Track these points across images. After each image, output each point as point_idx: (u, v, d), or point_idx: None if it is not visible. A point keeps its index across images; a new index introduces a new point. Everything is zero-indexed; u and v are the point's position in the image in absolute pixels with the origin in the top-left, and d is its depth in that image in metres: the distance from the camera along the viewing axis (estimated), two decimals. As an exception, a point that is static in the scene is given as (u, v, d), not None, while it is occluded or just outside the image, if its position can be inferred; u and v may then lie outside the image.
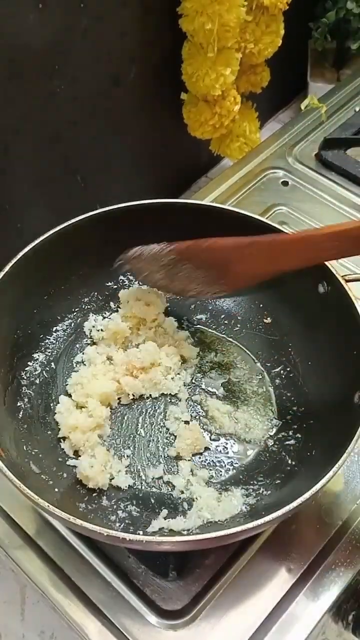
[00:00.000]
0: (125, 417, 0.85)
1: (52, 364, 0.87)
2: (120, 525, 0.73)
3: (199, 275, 0.80)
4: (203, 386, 0.88)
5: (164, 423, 0.84)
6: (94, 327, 0.91)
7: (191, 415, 0.85)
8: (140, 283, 0.91)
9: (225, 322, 0.95)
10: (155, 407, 0.86)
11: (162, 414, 0.85)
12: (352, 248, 0.71)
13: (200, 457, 0.82)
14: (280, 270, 0.75)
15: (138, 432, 0.84)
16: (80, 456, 0.79)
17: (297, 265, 0.75)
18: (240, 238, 0.77)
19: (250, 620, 0.73)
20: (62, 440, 0.81)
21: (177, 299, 0.94)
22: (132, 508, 0.76)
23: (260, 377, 0.89)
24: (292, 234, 0.74)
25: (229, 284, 0.81)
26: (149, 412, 0.86)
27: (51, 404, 0.84)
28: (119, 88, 1.14)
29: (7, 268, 0.80)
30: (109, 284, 0.94)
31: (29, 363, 0.85)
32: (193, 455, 0.81)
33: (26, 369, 0.84)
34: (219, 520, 0.74)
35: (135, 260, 0.84)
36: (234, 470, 0.81)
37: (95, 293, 0.94)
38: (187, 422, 0.84)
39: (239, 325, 0.94)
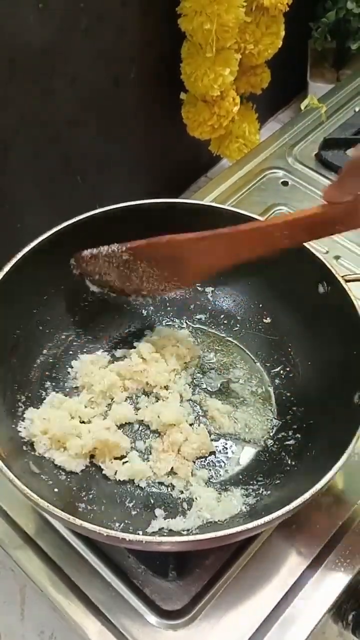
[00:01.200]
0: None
1: (52, 364, 0.87)
2: (120, 525, 0.73)
3: (154, 273, 0.81)
4: (203, 386, 0.88)
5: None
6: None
7: (194, 417, 0.85)
8: (91, 284, 0.90)
9: (225, 322, 0.95)
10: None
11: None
12: (304, 236, 0.73)
13: (200, 457, 0.81)
14: (238, 260, 0.77)
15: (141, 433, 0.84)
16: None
17: (254, 255, 0.76)
18: (195, 233, 0.78)
19: (250, 620, 0.73)
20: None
21: (179, 298, 0.94)
22: (132, 508, 0.76)
23: (260, 377, 0.89)
24: (245, 225, 0.74)
25: (186, 277, 0.82)
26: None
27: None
28: (118, 88, 1.14)
29: (7, 268, 0.80)
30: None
31: (28, 363, 0.85)
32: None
33: (25, 369, 0.84)
34: (218, 521, 0.74)
35: (89, 262, 0.84)
36: (234, 471, 0.81)
37: (96, 293, 0.94)
38: (190, 424, 0.84)
39: (238, 325, 0.94)
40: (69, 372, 0.88)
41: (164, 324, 0.94)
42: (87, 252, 0.84)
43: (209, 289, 0.96)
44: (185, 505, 0.76)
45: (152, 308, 0.95)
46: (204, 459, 0.81)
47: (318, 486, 0.65)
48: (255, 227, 0.75)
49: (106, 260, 0.82)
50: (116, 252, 0.81)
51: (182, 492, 0.78)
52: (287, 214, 0.71)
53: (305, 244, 0.84)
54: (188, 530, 0.73)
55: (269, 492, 0.77)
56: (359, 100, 1.31)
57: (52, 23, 0.95)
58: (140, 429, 0.84)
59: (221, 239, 0.76)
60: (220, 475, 0.80)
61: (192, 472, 0.80)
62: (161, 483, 0.79)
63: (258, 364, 0.90)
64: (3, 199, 1.03)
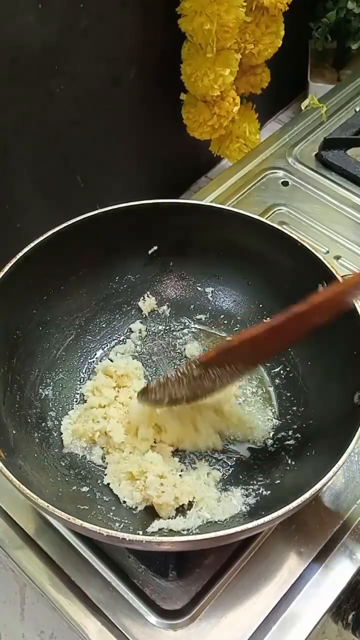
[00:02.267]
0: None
1: (52, 364, 0.87)
2: (120, 525, 0.73)
3: (227, 373, 0.77)
4: (203, 386, 0.88)
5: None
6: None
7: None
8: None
9: (225, 322, 0.95)
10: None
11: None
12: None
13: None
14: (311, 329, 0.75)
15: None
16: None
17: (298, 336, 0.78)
18: (262, 326, 0.75)
19: (250, 620, 0.72)
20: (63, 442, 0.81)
21: (179, 298, 0.95)
22: (132, 508, 0.76)
23: (260, 377, 0.89)
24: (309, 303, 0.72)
25: (258, 361, 0.82)
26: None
27: (49, 405, 0.84)
28: (118, 88, 1.14)
29: (7, 268, 0.80)
30: (109, 284, 0.94)
31: (28, 363, 0.85)
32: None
33: (26, 369, 0.84)
34: (218, 520, 0.74)
35: (157, 392, 0.79)
36: (234, 470, 0.80)
37: (96, 293, 0.94)
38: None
39: (238, 325, 0.94)
40: (69, 373, 0.87)
41: (163, 327, 0.95)
42: (153, 384, 0.79)
43: (209, 289, 0.96)
44: (185, 505, 0.76)
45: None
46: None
47: (318, 486, 0.65)
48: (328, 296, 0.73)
49: (176, 384, 0.77)
50: (187, 373, 0.77)
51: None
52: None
53: (305, 245, 0.84)
54: (188, 530, 0.73)
55: (269, 492, 0.77)
56: (359, 100, 1.31)
57: (52, 23, 0.95)
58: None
59: (293, 320, 0.74)
60: (220, 475, 0.80)
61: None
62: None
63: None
64: (3, 199, 1.03)
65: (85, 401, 0.85)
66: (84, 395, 0.86)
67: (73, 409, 0.85)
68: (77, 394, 0.87)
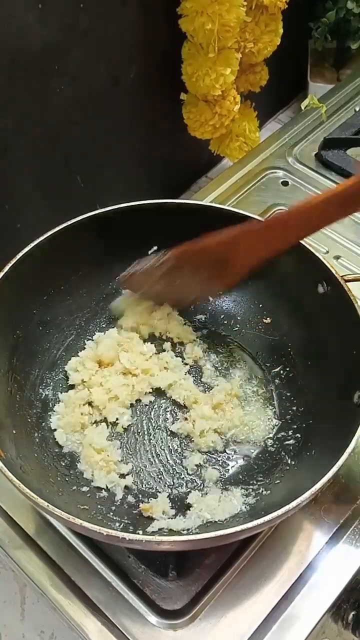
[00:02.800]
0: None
1: (52, 364, 0.87)
2: (120, 525, 0.73)
3: (198, 277, 0.79)
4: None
5: (165, 425, 0.85)
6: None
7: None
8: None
9: (225, 322, 0.95)
10: (158, 409, 0.86)
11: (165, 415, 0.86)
12: (341, 212, 0.72)
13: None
14: (276, 252, 0.75)
15: (143, 437, 0.84)
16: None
17: (291, 243, 0.75)
18: (231, 230, 0.76)
19: (250, 620, 0.73)
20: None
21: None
22: (132, 508, 0.76)
23: (260, 377, 0.89)
24: (281, 214, 0.73)
25: (229, 278, 0.81)
26: (153, 414, 0.86)
27: (49, 405, 0.84)
28: (119, 88, 1.14)
29: (6, 268, 0.80)
30: (109, 284, 0.94)
31: (28, 363, 0.85)
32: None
33: (26, 369, 0.84)
34: (218, 520, 0.74)
35: (132, 278, 0.83)
36: (234, 470, 0.81)
37: (96, 293, 0.94)
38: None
39: (238, 325, 0.94)
40: (69, 372, 0.87)
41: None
42: (125, 272, 0.83)
43: (209, 289, 0.96)
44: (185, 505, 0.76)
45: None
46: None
47: (318, 486, 0.65)
48: (293, 211, 0.73)
49: (148, 273, 0.81)
50: (156, 263, 0.79)
51: (182, 492, 0.78)
52: (322, 192, 0.70)
53: (304, 244, 0.84)
54: (188, 530, 0.73)
55: (269, 492, 0.77)
56: (359, 100, 1.31)
57: (52, 23, 0.95)
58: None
59: (260, 232, 0.75)
60: (220, 475, 0.80)
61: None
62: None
63: (258, 364, 0.90)
64: (3, 199, 1.03)
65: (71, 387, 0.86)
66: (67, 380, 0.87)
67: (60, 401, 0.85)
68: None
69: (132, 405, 0.86)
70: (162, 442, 0.83)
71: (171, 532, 0.73)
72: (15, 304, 0.83)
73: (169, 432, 0.84)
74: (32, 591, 0.80)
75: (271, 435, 0.83)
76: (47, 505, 0.64)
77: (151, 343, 0.90)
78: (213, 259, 0.77)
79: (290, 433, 0.83)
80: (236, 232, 0.76)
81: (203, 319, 0.95)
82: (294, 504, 0.64)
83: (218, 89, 1.14)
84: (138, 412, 0.86)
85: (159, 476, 0.80)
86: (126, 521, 0.74)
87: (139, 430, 0.84)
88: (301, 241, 0.85)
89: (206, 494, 0.77)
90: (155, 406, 0.87)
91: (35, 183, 1.07)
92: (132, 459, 0.81)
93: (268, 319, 0.93)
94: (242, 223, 0.78)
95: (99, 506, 0.75)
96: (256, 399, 0.87)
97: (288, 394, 0.87)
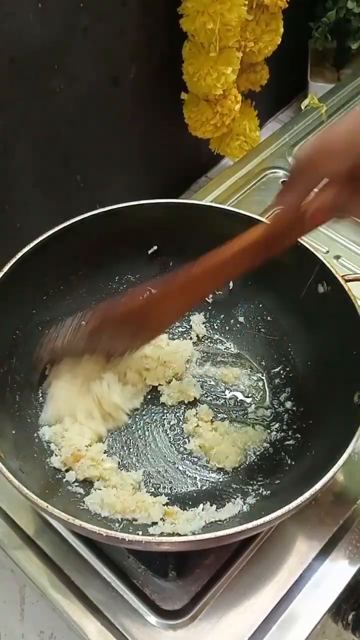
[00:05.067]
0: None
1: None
2: (119, 526, 0.73)
3: (120, 335, 0.78)
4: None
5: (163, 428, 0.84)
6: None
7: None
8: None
9: (225, 322, 0.94)
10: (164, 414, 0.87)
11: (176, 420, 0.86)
12: (253, 261, 0.71)
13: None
14: (200, 300, 0.78)
15: (145, 438, 0.84)
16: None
17: (211, 290, 0.78)
18: (145, 292, 0.76)
19: (250, 620, 0.72)
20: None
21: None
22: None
23: (260, 377, 0.89)
24: (193, 268, 0.71)
25: (153, 330, 0.80)
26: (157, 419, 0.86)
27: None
28: (118, 88, 1.14)
29: (6, 268, 0.80)
30: (109, 284, 0.94)
31: (28, 364, 0.85)
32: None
33: (25, 369, 0.84)
34: (218, 520, 0.74)
35: (53, 345, 0.78)
36: (234, 470, 0.80)
37: (96, 293, 0.94)
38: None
39: (238, 325, 0.94)
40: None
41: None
42: (46, 340, 0.78)
43: (209, 289, 0.96)
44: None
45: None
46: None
47: (318, 486, 0.65)
48: (206, 267, 0.72)
49: (70, 335, 0.77)
50: (76, 327, 0.77)
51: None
52: (232, 242, 0.69)
53: (305, 244, 0.84)
54: (192, 531, 0.73)
55: (269, 492, 0.77)
56: (359, 100, 1.31)
57: (52, 23, 0.95)
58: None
59: (176, 291, 0.74)
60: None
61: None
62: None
63: (258, 363, 0.90)
64: (3, 199, 1.03)
65: None
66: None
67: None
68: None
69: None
70: (161, 442, 0.83)
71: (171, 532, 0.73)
72: (15, 304, 0.82)
73: (167, 433, 0.84)
74: (32, 591, 0.80)
75: (271, 436, 0.83)
76: (47, 506, 0.64)
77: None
78: (130, 322, 0.77)
79: (290, 433, 0.83)
80: (148, 300, 0.76)
81: (203, 319, 0.95)
82: (294, 504, 0.64)
83: (219, 88, 1.14)
84: (136, 416, 0.86)
85: (160, 475, 0.80)
86: (126, 521, 0.74)
87: (139, 431, 0.84)
88: (301, 241, 0.85)
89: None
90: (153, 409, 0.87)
91: (35, 183, 1.07)
92: (132, 460, 0.81)
93: (268, 318, 0.93)
94: (158, 280, 0.80)
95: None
96: (256, 399, 0.87)
97: (288, 394, 0.87)
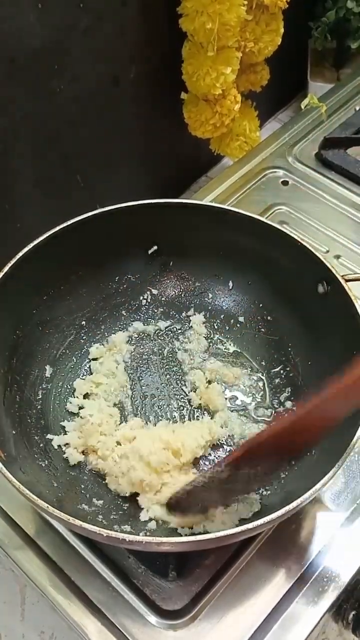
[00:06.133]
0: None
1: (52, 364, 0.87)
2: (119, 526, 0.73)
3: (260, 468, 0.70)
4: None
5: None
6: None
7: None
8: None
9: (225, 322, 0.94)
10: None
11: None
12: None
13: (200, 458, 0.81)
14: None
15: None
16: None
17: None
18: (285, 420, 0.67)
19: (250, 620, 0.73)
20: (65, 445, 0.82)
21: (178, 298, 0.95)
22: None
23: (260, 377, 0.89)
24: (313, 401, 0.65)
25: (297, 450, 0.71)
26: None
27: (50, 406, 0.84)
28: (118, 88, 1.14)
29: (6, 268, 0.79)
30: (109, 284, 0.94)
31: (28, 364, 0.85)
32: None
33: (25, 369, 0.84)
34: (219, 520, 0.74)
35: (183, 502, 0.71)
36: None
37: (96, 293, 0.94)
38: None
39: (238, 325, 0.94)
40: (68, 374, 0.87)
41: (163, 327, 0.95)
42: (180, 493, 0.71)
43: (209, 289, 0.96)
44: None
45: (152, 309, 0.95)
46: (204, 460, 0.81)
47: (318, 486, 0.65)
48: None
49: (204, 490, 0.70)
50: (213, 477, 0.69)
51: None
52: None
53: (304, 244, 0.84)
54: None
55: (269, 492, 0.77)
56: (359, 100, 1.31)
57: (52, 23, 0.95)
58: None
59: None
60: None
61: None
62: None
63: (258, 363, 0.90)
64: (3, 199, 1.03)
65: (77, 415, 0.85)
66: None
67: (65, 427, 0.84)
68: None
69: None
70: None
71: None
72: (15, 304, 0.82)
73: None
74: (32, 591, 0.80)
75: (271, 436, 0.83)
76: (47, 507, 0.64)
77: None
78: (268, 452, 0.68)
79: (290, 433, 0.83)
80: (283, 424, 0.67)
81: (203, 319, 0.95)
82: (294, 504, 0.64)
83: (218, 88, 1.14)
84: (139, 411, 0.86)
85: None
86: (126, 521, 0.74)
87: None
88: (301, 240, 0.85)
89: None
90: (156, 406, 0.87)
91: (35, 183, 1.07)
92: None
93: (268, 318, 0.93)
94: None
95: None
96: (256, 399, 0.87)
97: (288, 394, 0.87)
